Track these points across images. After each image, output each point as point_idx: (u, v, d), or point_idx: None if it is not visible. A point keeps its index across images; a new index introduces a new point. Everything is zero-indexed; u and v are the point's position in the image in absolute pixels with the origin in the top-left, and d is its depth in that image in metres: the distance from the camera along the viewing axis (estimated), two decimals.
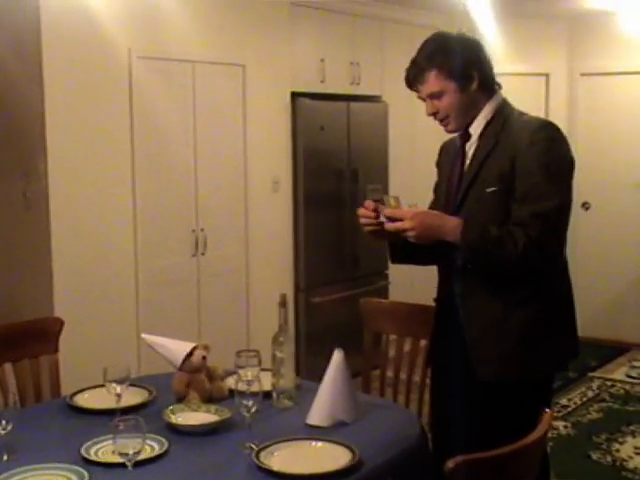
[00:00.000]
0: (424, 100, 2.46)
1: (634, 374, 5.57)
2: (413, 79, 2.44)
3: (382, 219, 2.35)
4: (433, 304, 2.67)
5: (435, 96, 2.41)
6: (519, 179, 2.30)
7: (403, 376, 3.06)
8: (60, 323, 2.97)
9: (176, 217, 4.47)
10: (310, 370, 4.85)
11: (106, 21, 4.00)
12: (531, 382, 2.40)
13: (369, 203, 2.41)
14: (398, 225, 2.32)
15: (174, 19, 4.35)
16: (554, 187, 2.29)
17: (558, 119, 5.74)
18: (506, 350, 2.37)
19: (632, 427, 4.58)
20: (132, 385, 2.46)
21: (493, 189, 2.34)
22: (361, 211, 2.43)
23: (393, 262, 2.64)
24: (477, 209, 2.37)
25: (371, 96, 5.66)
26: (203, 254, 4.59)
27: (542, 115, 6.12)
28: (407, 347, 3.04)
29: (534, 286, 2.36)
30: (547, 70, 6.42)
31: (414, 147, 6.01)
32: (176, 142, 4.45)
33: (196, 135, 4.52)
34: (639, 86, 6.21)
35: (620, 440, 4.40)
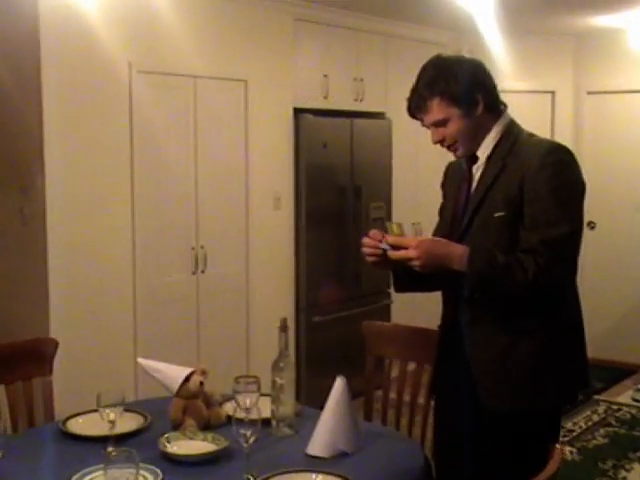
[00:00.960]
0: (428, 128, 2.39)
1: (639, 397, 5.47)
2: (415, 109, 2.36)
3: (385, 246, 2.28)
4: (436, 328, 2.59)
5: (440, 124, 2.33)
6: (528, 204, 2.22)
7: (406, 398, 2.98)
8: (55, 344, 2.89)
9: (176, 234, 4.40)
10: (311, 390, 4.77)
11: (106, 35, 3.94)
12: (539, 413, 2.32)
13: (375, 233, 2.33)
14: (402, 254, 2.24)
15: (175, 33, 4.30)
16: (564, 213, 2.21)
17: (564, 137, 5.74)
18: (514, 381, 2.29)
19: (639, 453, 4.48)
20: (127, 410, 2.39)
21: (501, 214, 2.26)
22: (366, 241, 2.35)
23: (397, 291, 2.57)
24: (484, 234, 2.30)
25: (375, 113, 5.60)
26: (203, 272, 4.51)
27: (548, 133, 6.07)
28: (410, 371, 2.96)
29: (543, 315, 2.28)
30: (553, 88, 6.36)
31: (418, 164, 5.94)
32: (176, 158, 4.38)
33: (197, 151, 4.46)
34: None
35: (627, 467, 4.30)
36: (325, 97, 5.19)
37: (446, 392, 2.53)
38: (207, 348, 4.54)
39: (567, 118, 6.37)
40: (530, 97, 6.22)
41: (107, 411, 2.24)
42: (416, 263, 2.23)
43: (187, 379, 2.52)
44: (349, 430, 2.33)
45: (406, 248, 2.24)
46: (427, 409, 2.88)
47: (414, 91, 2.35)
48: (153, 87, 4.21)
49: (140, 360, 2.61)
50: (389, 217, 5.68)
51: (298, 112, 5.02)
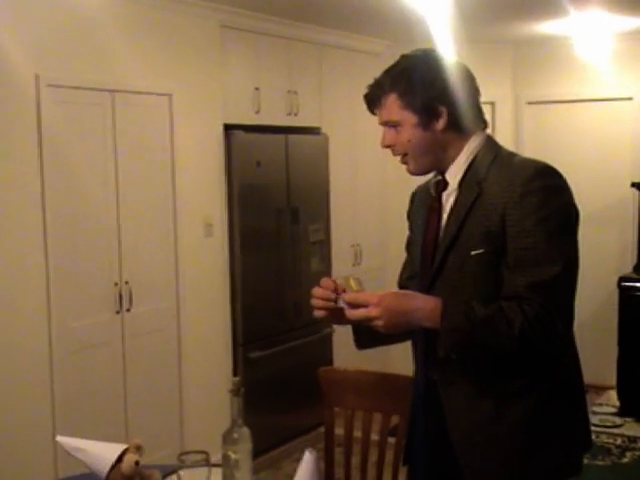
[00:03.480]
0: (383, 126, 2.03)
1: (596, 421, 5.20)
2: (371, 100, 2.01)
3: (341, 304, 1.92)
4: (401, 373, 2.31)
5: (392, 125, 1.98)
6: (512, 240, 1.84)
7: (373, 458, 2.59)
8: None
9: (96, 269, 3.88)
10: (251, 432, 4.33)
11: (8, 44, 3.41)
12: None
13: (328, 281, 1.95)
14: (362, 313, 1.87)
15: (89, 43, 3.81)
16: (555, 248, 1.83)
17: None
18: (503, 453, 1.91)
19: None
20: None
21: (479, 251, 1.87)
22: (318, 292, 1.95)
23: (359, 348, 2.15)
24: (460, 276, 1.92)
25: (310, 128, 5.21)
26: (128, 310, 4.01)
27: None
28: (377, 426, 2.58)
29: (534, 372, 1.91)
30: (492, 98, 6.10)
31: (356, 182, 5.58)
32: (94, 183, 3.87)
33: (117, 175, 3.96)
34: (587, 114, 5.98)
35: None
36: (257, 112, 4.77)
37: (422, 463, 2.13)
38: (135, 397, 4.04)
39: (507, 129, 6.11)
40: None
41: None
42: (378, 323, 1.85)
43: (119, 459, 2.07)
44: None
45: (366, 306, 1.86)
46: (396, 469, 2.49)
47: (376, 81, 2.01)
48: (65, 103, 3.70)
49: (60, 439, 2.14)
50: (328, 239, 5.30)
51: (228, 128, 4.58)
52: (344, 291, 1.94)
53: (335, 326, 5.20)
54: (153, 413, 4.14)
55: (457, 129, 1.96)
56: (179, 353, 4.32)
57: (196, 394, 4.40)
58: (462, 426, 1.95)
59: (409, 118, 1.95)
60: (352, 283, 1.95)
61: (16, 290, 3.54)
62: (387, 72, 2.00)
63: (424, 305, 1.87)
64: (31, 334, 3.59)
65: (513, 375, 1.90)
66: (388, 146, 2.02)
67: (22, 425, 3.50)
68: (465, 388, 1.93)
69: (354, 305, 1.89)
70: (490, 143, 2.01)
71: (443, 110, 1.93)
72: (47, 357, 3.62)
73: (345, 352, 5.10)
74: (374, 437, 2.57)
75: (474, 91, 2.02)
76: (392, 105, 1.96)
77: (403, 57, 2.01)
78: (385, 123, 2.00)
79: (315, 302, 1.96)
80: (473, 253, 1.88)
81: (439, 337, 1.85)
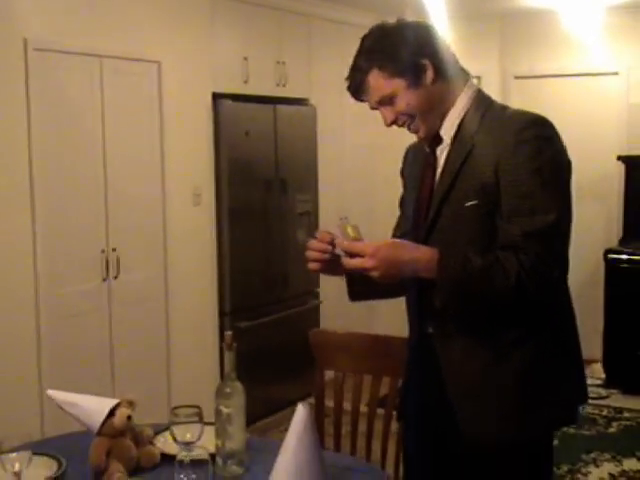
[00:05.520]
0: (378, 109, 2.01)
1: None
2: (355, 87, 1.99)
3: (340, 252, 1.92)
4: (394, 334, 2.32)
5: (386, 102, 1.96)
6: (505, 191, 1.85)
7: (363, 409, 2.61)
8: None
9: (83, 235, 3.87)
10: None
11: None
12: (531, 440, 1.96)
13: (324, 234, 1.97)
14: (357, 263, 1.87)
15: (78, 7, 3.78)
16: (549, 197, 1.83)
17: None
18: (499, 403, 1.92)
19: (592, 455, 4.24)
20: (36, 454, 1.92)
21: (473, 203, 1.88)
22: (314, 244, 1.97)
23: (352, 299, 2.15)
24: (454, 228, 1.92)
25: (298, 99, 5.19)
26: (115, 278, 3.99)
27: None
28: (366, 394, 2.58)
29: (531, 322, 1.92)
30: (479, 72, 6.07)
31: (343, 154, 5.57)
32: (82, 149, 3.85)
33: (105, 141, 3.94)
34: (574, 88, 5.99)
35: (583, 471, 4.04)
36: (245, 81, 4.74)
37: (417, 418, 2.14)
38: (122, 363, 4.04)
39: None
40: None
41: (12, 455, 1.80)
42: (374, 274, 1.85)
43: (111, 413, 2.06)
44: (315, 469, 1.91)
45: (362, 255, 1.86)
46: (387, 427, 2.52)
47: (352, 66, 1.98)
48: (54, 67, 3.67)
49: (50, 392, 2.13)
50: (315, 211, 5.30)
51: (217, 97, 4.55)
52: (332, 244, 1.94)
53: (322, 298, 5.24)
54: (140, 382, 4.12)
55: (445, 78, 1.95)
56: (166, 322, 4.32)
57: (183, 363, 4.40)
58: (459, 378, 1.95)
59: (398, 84, 1.94)
60: (349, 230, 1.93)
61: (3, 256, 3.52)
62: (358, 54, 1.98)
63: (421, 256, 1.87)
64: (18, 300, 3.57)
65: (509, 325, 1.90)
66: (393, 122, 1.99)
67: (9, 391, 3.49)
68: (461, 340, 1.94)
69: (350, 254, 1.89)
70: (481, 96, 2.00)
71: (426, 62, 1.93)
72: (34, 323, 3.61)
73: (332, 323, 5.12)
74: (363, 409, 2.58)
75: (443, 41, 2.01)
76: (378, 80, 1.95)
77: (365, 37, 2.00)
78: (379, 103, 1.98)
79: (310, 254, 1.97)
80: (467, 204, 1.89)
81: (435, 288, 1.85)
